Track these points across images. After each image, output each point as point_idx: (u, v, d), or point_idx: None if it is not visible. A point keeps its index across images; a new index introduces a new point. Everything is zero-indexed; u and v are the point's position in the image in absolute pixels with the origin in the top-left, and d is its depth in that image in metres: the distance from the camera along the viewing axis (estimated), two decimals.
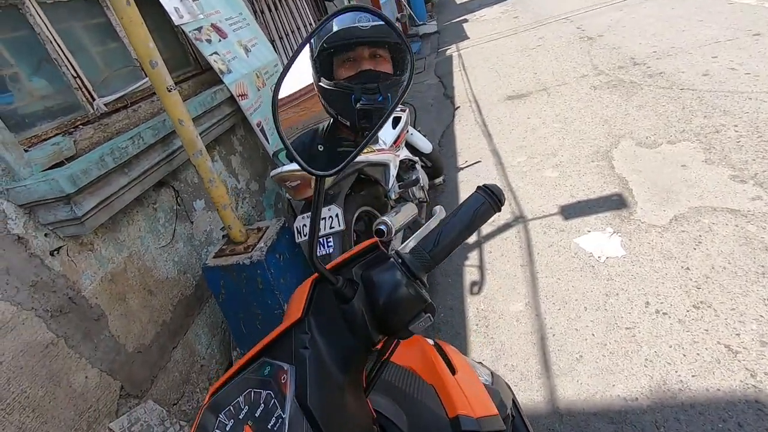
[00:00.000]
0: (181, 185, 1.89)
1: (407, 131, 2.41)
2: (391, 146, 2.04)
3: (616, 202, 2.23)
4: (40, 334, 1.24)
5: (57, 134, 1.45)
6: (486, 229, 2.41)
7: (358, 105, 1.63)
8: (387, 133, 2.11)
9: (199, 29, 2.07)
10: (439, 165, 2.76)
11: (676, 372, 1.38)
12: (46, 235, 1.31)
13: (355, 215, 1.80)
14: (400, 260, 0.50)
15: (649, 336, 1.52)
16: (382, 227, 1.75)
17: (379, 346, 0.51)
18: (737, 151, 2.26)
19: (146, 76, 1.84)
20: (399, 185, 2.11)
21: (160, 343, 1.63)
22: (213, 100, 2.01)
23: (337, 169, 0.48)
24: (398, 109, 2.16)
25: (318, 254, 1.62)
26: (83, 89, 1.58)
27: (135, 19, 1.36)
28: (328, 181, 1.67)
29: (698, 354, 1.41)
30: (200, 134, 1.78)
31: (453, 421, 0.58)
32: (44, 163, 1.34)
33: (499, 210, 0.53)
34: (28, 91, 1.45)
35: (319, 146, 1.65)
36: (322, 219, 1.68)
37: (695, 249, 1.79)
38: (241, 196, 2.35)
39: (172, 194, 1.84)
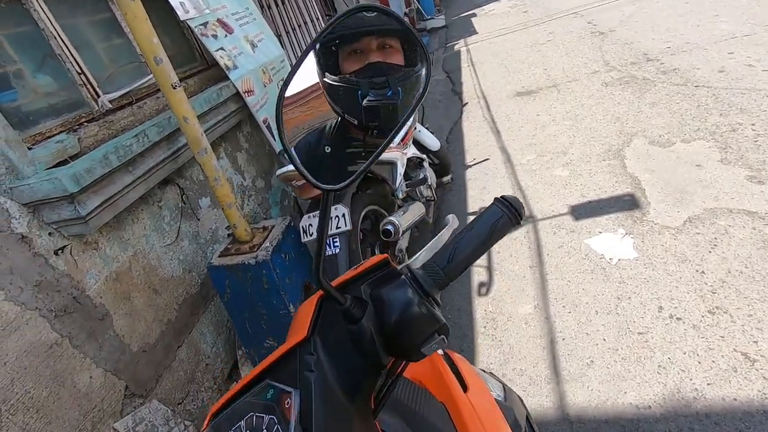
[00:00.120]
0: (187, 183, 1.87)
1: (415, 128, 2.38)
2: (399, 144, 2.00)
3: (628, 203, 2.18)
4: (44, 334, 1.23)
5: (61, 132, 1.43)
6: None
7: (364, 101, 1.55)
8: None
9: (205, 24, 2.04)
10: (446, 163, 2.72)
11: (691, 380, 1.34)
12: (50, 234, 1.30)
13: (362, 214, 1.77)
14: (411, 276, 0.47)
15: (662, 342, 1.48)
16: (389, 227, 1.72)
17: (388, 366, 0.49)
18: (754, 151, 2.19)
19: (152, 72, 1.82)
20: (406, 184, 2.08)
21: (165, 342, 1.62)
22: (219, 97, 1.98)
23: (346, 183, 0.45)
24: None
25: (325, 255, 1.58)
26: (88, 86, 1.56)
27: (139, 14, 1.34)
28: None
29: (714, 361, 1.37)
30: (206, 131, 1.76)
31: None
32: (48, 161, 1.32)
33: (519, 224, 0.50)
34: (32, 88, 1.43)
35: (326, 148, 1.59)
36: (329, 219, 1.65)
37: (710, 252, 1.75)
38: (247, 193, 2.33)
39: (178, 192, 1.82)
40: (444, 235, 0.71)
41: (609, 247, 1.95)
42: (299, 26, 3.87)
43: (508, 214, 0.49)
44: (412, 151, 2.19)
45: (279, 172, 1.65)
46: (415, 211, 1.96)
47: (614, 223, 2.09)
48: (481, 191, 2.77)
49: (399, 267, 0.52)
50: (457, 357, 0.74)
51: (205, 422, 0.50)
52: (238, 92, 2.14)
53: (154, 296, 1.62)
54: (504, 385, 0.75)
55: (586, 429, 1.32)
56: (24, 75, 1.42)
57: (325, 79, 1.58)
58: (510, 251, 2.16)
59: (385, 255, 0.50)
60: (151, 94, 1.83)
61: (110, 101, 1.61)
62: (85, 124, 1.52)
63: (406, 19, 5.92)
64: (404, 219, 1.81)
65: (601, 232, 2.06)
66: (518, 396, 0.76)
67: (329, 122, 1.68)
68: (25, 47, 1.42)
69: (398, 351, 0.46)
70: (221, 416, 0.48)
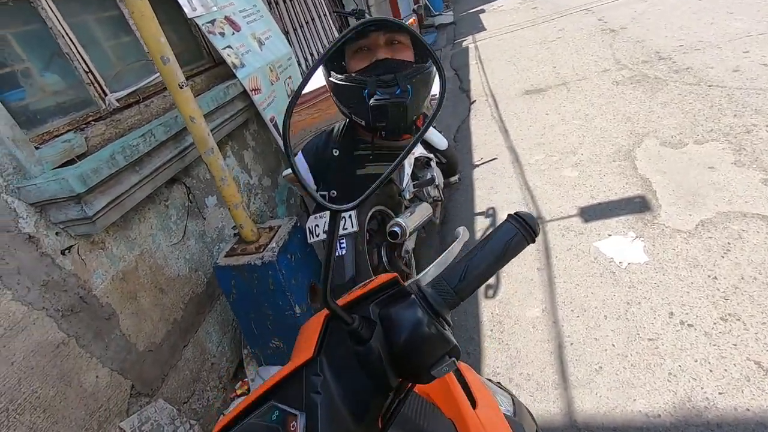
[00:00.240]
0: (193, 181, 1.87)
1: None
2: None
3: (638, 205, 2.14)
4: (51, 334, 1.23)
5: (68, 131, 1.43)
6: None
7: (371, 101, 1.47)
8: None
9: (213, 22, 2.03)
10: (454, 162, 2.69)
11: (702, 388, 1.32)
12: (57, 233, 1.29)
13: (369, 215, 1.76)
14: (421, 296, 0.46)
15: (672, 349, 1.46)
16: (396, 229, 1.70)
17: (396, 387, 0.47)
18: None
19: (158, 72, 1.82)
20: (414, 184, 2.06)
21: (171, 341, 1.63)
22: (226, 96, 1.97)
23: (355, 203, 0.44)
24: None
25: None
26: (95, 84, 1.55)
27: (147, 13, 1.33)
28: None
29: (726, 370, 1.35)
30: (213, 130, 1.75)
31: None
32: (55, 161, 1.32)
33: (533, 241, 0.48)
34: (39, 87, 1.43)
35: (333, 150, 1.55)
36: None
37: (723, 257, 1.71)
38: (254, 191, 2.32)
39: (184, 191, 1.82)
40: (454, 249, 0.69)
41: (619, 251, 1.92)
42: (306, 23, 3.85)
43: (522, 231, 0.47)
44: (419, 150, 2.16)
45: (286, 173, 1.64)
46: (423, 212, 1.94)
47: (624, 225, 2.06)
48: (488, 191, 2.74)
49: (408, 283, 0.51)
50: (464, 367, 0.73)
51: None
52: (245, 90, 2.12)
53: (161, 295, 1.62)
54: (513, 398, 0.74)
55: None
56: (32, 74, 1.41)
57: (331, 79, 1.51)
58: None
59: (395, 274, 0.49)
60: (158, 93, 1.83)
61: (117, 100, 1.61)
62: (92, 123, 1.51)
63: (414, 16, 5.88)
64: (411, 220, 1.79)
65: (610, 235, 2.03)
66: (527, 410, 0.74)
67: (338, 124, 1.65)
68: (33, 46, 1.42)
69: (407, 373, 0.45)
70: None
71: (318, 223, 1.66)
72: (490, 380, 0.75)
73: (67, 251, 1.31)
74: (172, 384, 1.60)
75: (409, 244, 2.01)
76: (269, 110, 2.28)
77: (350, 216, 1.60)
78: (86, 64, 1.53)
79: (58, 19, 1.46)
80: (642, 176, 2.33)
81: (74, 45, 1.50)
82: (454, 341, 0.45)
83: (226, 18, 2.13)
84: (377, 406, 0.45)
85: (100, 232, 1.40)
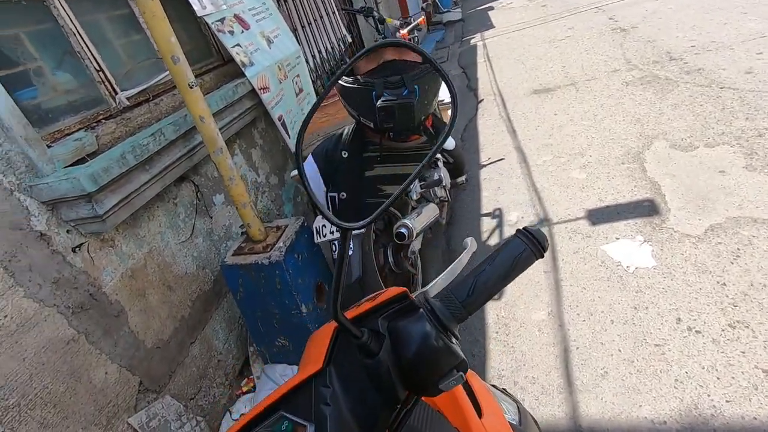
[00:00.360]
0: (201, 179, 1.88)
1: None
2: None
3: (647, 208, 2.13)
4: (61, 331, 1.25)
5: (79, 129, 1.44)
6: (509, 231, 2.35)
7: (378, 102, 1.48)
8: None
9: (222, 20, 2.03)
10: (461, 162, 2.68)
11: (709, 396, 1.31)
12: (68, 231, 1.31)
13: None
14: (429, 309, 0.46)
15: (680, 355, 1.45)
16: (403, 230, 1.70)
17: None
18: None
19: (169, 71, 1.82)
20: (420, 185, 2.05)
21: (178, 338, 1.64)
22: (234, 94, 1.98)
23: (366, 222, 0.44)
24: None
25: (335, 257, 1.57)
26: (106, 83, 1.56)
27: (158, 13, 1.33)
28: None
29: (733, 378, 1.34)
30: (221, 129, 1.76)
31: None
32: (67, 159, 1.33)
33: (542, 257, 0.49)
34: (51, 85, 1.44)
35: (342, 153, 1.56)
36: None
37: (733, 263, 1.70)
38: (261, 189, 2.33)
39: (192, 189, 1.83)
40: (463, 260, 0.70)
41: (626, 255, 1.91)
42: (315, 20, 3.84)
43: (531, 247, 0.48)
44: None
45: (294, 173, 1.64)
46: (429, 213, 1.94)
47: (632, 229, 2.04)
48: (495, 192, 2.73)
49: (416, 294, 0.51)
50: (469, 374, 0.73)
51: None
52: (253, 89, 2.13)
53: (169, 293, 1.63)
54: (518, 406, 0.74)
55: None
56: (44, 72, 1.42)
57: (340, 82, 1.52)
58: None
59: (404, 288, 0.49)
60: (167, 91, 1.83)
61: (127, 98, 1.62)
62: (103, 121, 1.53)
63: (422, 14, 5.85)
64: (418, 222, 1.79)
65: (618, 239, 2.02)
66: (532, 417, 0.74)
67: (347, 128, 1.65)
68: (46, 44, 1.43)
69: (415, 385, 0.45)
70: None
71: (325, 224, 1.67)
72: (495, 386, 0.75)
73: (77, 249, 1.33)
74: (179, 380, 1.62)
75: (416, 244, 2.01)
76: (277, 109, 2.28)
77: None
78: (97, 62, 1.54)
79: (70, 18, 1.47)
80: (651, 179, 2.31)
81: (86, 43, 1.51)
82: (462, 355, 0.45)
83: (236, 16, 2.13)
84: (385, 418, 0.45)
85: (110, 230, 1.41)
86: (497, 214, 2.52)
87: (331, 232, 1.65)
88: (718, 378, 1.35)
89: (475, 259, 0.68)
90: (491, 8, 9.18)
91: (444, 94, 2.96)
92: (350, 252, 1.58)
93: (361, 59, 1.51)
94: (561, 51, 4.82)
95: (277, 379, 1.75)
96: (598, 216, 2.20)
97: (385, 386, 0.44)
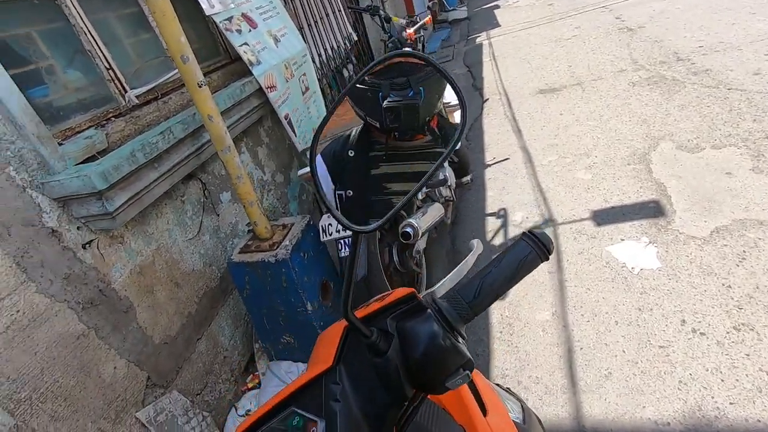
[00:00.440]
0: (209, 177, 1.89)
1: None
2: None
3: (652, 210, 2.13)
4: (72, 326, 1.27)
5: (90, 127, 1.46)
6: (513, 231, 2.35)
7: (385, 102, 1.53)
8: None
9: (230, 19, 2.04)
10: (466, 162, 2.69)
11: (713, 398, 1.32)
12: (78, 228, 1.33)
13: None
14: (437, 310, 0.47)
15: (684, 357, 1.46)
16: (409, 230, 1.71)
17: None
18: None
19: (178, 71, 1.84)
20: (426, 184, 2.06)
21: (185, 334, 1.66)
22: (242, 93, 1.99)
23: (376, 225, 0.45)
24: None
25: (344, 255, 1.59)
26: (116, 81, 1.58)
27: (168, 12, 1.35)
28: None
29: (737, 380, 1.34)
30: (228, 127, 1.77)
31: None
32: (77, 157, 1.35)
33: (547, 259, 0.50)
34: (62, 84, 1.46)
35: (349, 152, 1.60)
36: None
37: (738, 265, 1.70)
38: (267, 187, 2.35)
39: (200, 186, 1.84)
40: (469, 261, 0.71)
41: (631, 256, 1.91)
42: (321, 19, 3.84)
43: (536, 250, 0.49)
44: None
45: (301, 171, 1.66)
46: (435, 212, 1.95)
47: (637, 230, 2.04)
48: (500, 192, 2.74)
49: (423, 295, 0.52)
50: (474, 373, 0.74)
51: None
52: (260, 87, 2.14)
53: (176, 289, 1.65)
54: (522, 405, 0.75)
55: None
56: (55, 70, 1.44)
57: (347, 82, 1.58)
58: None
59: (412, 289, 0.50)
60: (176, 89, 1.85)
61: (137, 96, 1.63)
62: (113, 119, 1.54)
63: (428, 13, 5.84)
64: (423, 221, 1.80)
65: (623, 240, 2.02)
66: (537, 417, 0.75)
67: (355, 129, 1.68)
68: (57, 43, 1.45)
69: (422, 384, 0.46)
70: None
71: (331, 222, 1.68)
72: (499, 386, 0.76)
73: (87, 245, 1.35)
74: (186, 376, 1.64)
75: (421, 244, 2.01)
76: (284, 107, 2.29)
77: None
78: (107, 60, 1.56)
79: (81, 17, 1.48)
80: (657, 180, 2.31)
81: (96, 42, 1.52)
82: (468, 355, 0.46)
83: (243, 15, 2.15)
84: (393, 415, 0.47)
85: (120, 227, 1.43)
86: (502, 214, 2.52)
87: (337, 231, 1.66)
88: (722, 380, 1.35)
89: (481, 261, 0.68)
90: (497, 7, 9.15)
91: (450, 96, 2.97)
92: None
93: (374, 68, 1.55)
94: (567, 50, 4.80)
95: (282, 375, 1.77)
96: (604, 217, 2.20)
97: (394, 384, 0.45)
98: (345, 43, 4.18)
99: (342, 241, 1.64)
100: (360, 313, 0.51)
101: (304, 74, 2.59)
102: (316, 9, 3.73)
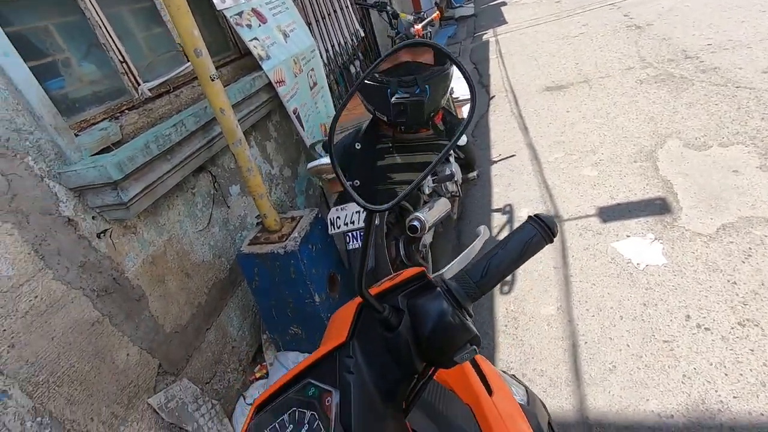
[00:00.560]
0: (219, 170, 1.92)
1: None
2: None
3: (659, 207, 2.13)
4: (87, 313, 1.30)
5: (104, 119, 1.49)
6: None
7: (393, 98, 1.60)
8: None
9: (240, 14, 2.07)
10: (472, 158, 2.70)
11: (716, 392, 1.33)
12: (93, 218, 1.36)
13: None
14: (446, 288, 0.49)
15: (688, 351, 1.47)
16: (416, 223, 1.73)
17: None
18: None
19: (188, 61, 1.86)
20: (433, 179, 2.08)
21: (195, 324, 1.69)
22: (252, 87, 2.02)
23: (391, 204, 0.47)
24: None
25: (351, 247, 1.62)
26: (129, 74, 1.61)
27: (182, 6, 1.37)
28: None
29: (741, 374, 1.35)
30: (239, 121, 1.79)
31: None
32: (93, 148, 1.38)
33: (551, 242, 0.52)
34: (77, 76, 1.49)
35: (356, 144, 1.65)
36: (356, 212, 1.68)
37: (744, 262, 1.70)
38: (275, 181, 2.37)
39: (210, 179, 1.87)
40: (476, 246, 0.73)
41: (637, 252, 1.92)
42: (328, 14, 3.86)
43: (541, 232, 0.51)
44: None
45: (311, 165, 1.68)
46: (441, 207, 1.96)
47: (643, 227, 2.05)
48: (506, 188, 2.75)
49: (433, 276, 0.55)
50: (480, 359, 0.76)
51: (249, 414, 0.53)
52: (269, 82, 2.16)
53: (186, 280, 1.68)
54: (527, 390, 0.77)
55: None
56: (71, 63, 1.47)
57: (358, 78, 1.66)
58: None
59: (422, 268, 0.52)
60: (187, 83, 1.88)
61: (149, 89, 1.66)
62: (126, 111, 1.57)
63: (436, 9, 5.83)
64: (430, 215, 1.82)
65: (629, 236, 2.03)
66: (541, 401, 0.77)
67: (363, 124, 1.74)
68: (73, 36, 1.47)
69: (432, 358, 0.48)
70: (266, 409, 0.51)
71: (339, 215, 1.70)
72: (504, 372, 0.78)
73: (102, 235, 1.38)
74: (195, 365, 1.67)
75: (427, 238, 2.04)
76: (292, 102, 2.31)
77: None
78: (121, 54, 1.59)
79: (96, 11, 1.51)
80: (663, 178, 2.31)
81: (110, 35, 1.55)
82: (476, 331, 0.48)
83: (253, 10, 2.17)
84: (403, 387, 0.49)
85: (133, 218, 1.46)
86: (508, 210, 2.54)
87: (345, 224, 1.68)
88: (726, 374, 1.37)
89: (488, 246, 0.70)
90: (504, 4, 9.11)
91: (459, 90, 2.99)
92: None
93: (385, 60, 1.63)
94: (574, 48, 4.79)
95: (289, 366, 1.80)
96: (609, 213, 2.21)
97: (404, 358, 0.47)
98: (352, 40, 4.20)
99: (350, 233, 1.66)
100: (372, 291, 0.53)
101: (312, 69, 2.60)
102: (324, 5, 3.75)
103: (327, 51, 3.67)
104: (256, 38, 2.11)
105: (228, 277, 1.90)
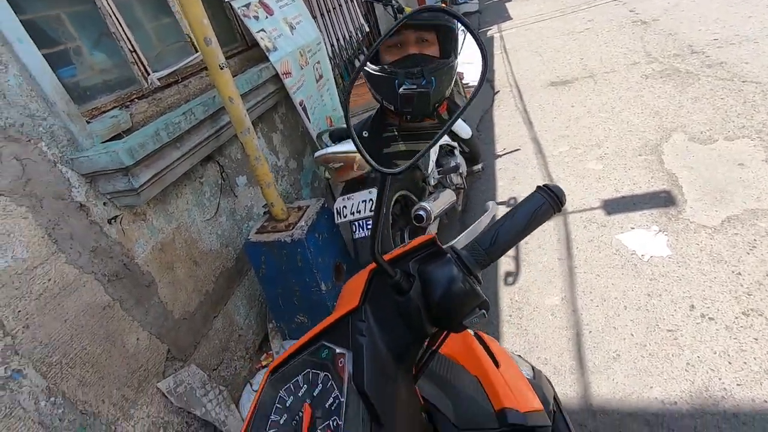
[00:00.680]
0: (226, 161, 1.94)
1: None
2: None
3: (663, 199, 2.14)
4: (98, 297, 1.32)
5: (115, 107, 1.51)
6: None
7: (400, 90, 1.65)
8: None
9: (248, 5, 2.08)
10: (476, 151, 2.71)
11: (720, 379, 1.34)
12: (104, 204, 1.38)
13: (393, 199, 1.81)
14: (456, 256, 0.51)
15: (692, 340, 1.48)
16: (422, 213, 1.75)
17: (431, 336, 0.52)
18: None
19: (196, 52, 1.88)
20: (438, 171, 2.10)
21: (203, 311, 1.71)
22: (259, 78, 2.03)
23: (404, 167, 0.49)
24: None
25: (358, 236, 1.64)
26: (139, 64, 1.62)
27: None
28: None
29: (745, 363, 1.36)
30: (246, 111, 1.81)
31: (499, 414, 0.58)
32: (104, 135, 1.40)
33: (560, 211, 0.53)
34: (89, 65, 1.50)
35: (363, 132, 1.68)
36: (362, 201, 1.69)
37: (749, 254, 1.71)
38: (280, 173, 2.39)
39: (217, 169, 1.89)
40: (484, 220, 0.74)
41: (641, 244, 1.93)
42: (333, 9, 3.86)
43: (549, 201, 0.52)
44: (444, 138, 2.20)
45: (317, 154, 1.70)
46: (446, 198, 1.98)
47: (648, 219, 2.05)
48: (510, 182, 2.75)
49: (444, 247, 0.56)
50: (487, 338, 0.77)
51: (265, 376, 0.55)
52: (276, 74, 2.18)
53: (194, 268, 1.70)
54: (533, 367, 0.78)
55: (610, 420, 1.34)
56: (82, 52, 1.49)
57: (367, 69, 1.72)
58: (538, 243, 2.16)
59: (432, 234, 0.53)
60: (195, 74, 1.89)
61: (159, 79, 1.68)
62: (136, 100, 1.59)
63: (440, 4, 5.82)
64: (435, 205, 1.84)
65: (633, 228, 2.04)
66: (547, 378, 0.78)
67: (368, 115, 1.80)
68: (84, 25, 1.49)
69: (442, 322, 0.49)
70: (281, 371, 0.53)
71: (346, 205, 1.72)
72: (513, 353, 0.79)
73: (113, 221, 1.40)
74: (203, 351, 1.69)
75: (432, 228, 2.05)
76: (298, 94, 2.33)
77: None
78: (131, 43, 1.60)
79: (106, 0, 1.52)
80: (668, 171, 2.32)
81: (121, 25, 1.56)
82: (484, 296, 0.49)
83: (261, 2, 2.18)
84: (414, 350, 0.50)
85: (143, 205, 1.47)
86: (512, 203, 2.54)
87: (351, 213, 1.70)
88: (729, 363, 1.38)
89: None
90: (508, 0, 9.08)
91: (469, 77, 3.03)
92: (369, 233, 1.64)
93: (388, 49, 1.71)
94: (580, 43, 4.77)
95: None
96: (614, 206, 2.21)
97: (415, 321, 0.48)
98: (357, 34, 4.20)
99: (356, 222, 1.68)
100: (385, 258, 0.55)
101: (318, 62, 2.62)
102: None
103: (332, 45, 3.68)
104: (263, 30, 2.12)
105: (235, 267, 1.92)
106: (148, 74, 1.65)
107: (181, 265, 1.64)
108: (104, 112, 1.47)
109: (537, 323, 1.75)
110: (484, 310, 0.49)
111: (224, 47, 2.20)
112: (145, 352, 1.45)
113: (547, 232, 2.21)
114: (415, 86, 1.66)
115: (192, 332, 1.65)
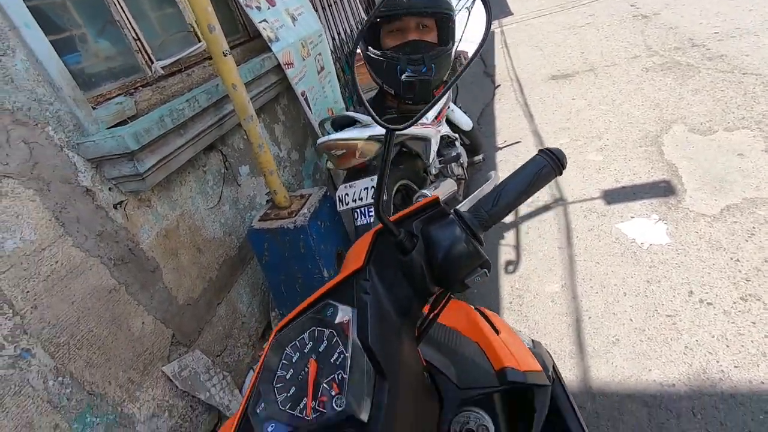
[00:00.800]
0: (229, 150, 1.95)
1: (448, 107, 2.39)
2: (433, 121, 2.03)
3: (663, 189, 2.15)
4: (104, 280, 1.34)
5: (119, 94, 1.52)
6: (523, 209, 2.39)
7: (403, 76, 1.68)
8: None
9: None
10: (477, 143, 2.72)
11: (718, 362, 1.36)
12: (110, 189, 1.39)
13: (395, 188, 1.83)
14: (458, 217, 0.52)
15: (690, 325, 1.50)
16: (422, 200, 1.76)
17: (433, 297, 0.54)
18: None
19: (199, 42, 1.89)
20: (439, 160, 2.11)
21: (206, 298, 1.73)
22: (261, 68, 2.04)
23: (408, 124, 0.50)
24: None
25: (360, 223, 1.66)
26: (143, 52, 1.64)
27: None
28: (373, 150, 1.69)
29: (743, 346, 1.38)
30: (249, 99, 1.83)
31: (499, 373, 0.60)
32: (109, 121, 1.41)
33: (560, 173, 0.53)
34: (93, 52, 1.52)
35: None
36: (364, 189, 1.71)
37: (747, 241, 1.72)
38: (282, 164, 2.40)
39: (220, 158, 1.90)
40: (485, 189, 0.75)
41: (641, 232, 1.95)
42: (334, 2, 3.87)
43: (551, 164, 0.52)
44: (445, 129, 2.21)
45: (320, 140, 1.71)
46: (447, 187, 1.99)
47: (648, 208, 2.07)
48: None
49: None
50: (489, 312, 0.79)
51: (271, 336, 0.56)
52: (278, 64, 2.19)
53: (198, 255, 1.72)
54: (533, 339, 0.80)
55: (609, 402, 1.36)
56: (87, 39, 1.50)
57: (369, 53, 1.73)
58: (539, 232, 2.18)
59: (436, 196, 0.54)
60: (198, 63, 1.90)
61: (162, 68, 1.69)
62: (140, 88, 1.60)
63: None
64: (437, 193, 1.85)
65: (633, 217, 2.05)
66: (546, 349, 0.80)
67: (370, 94, 1.81)
68: (89, 13, 1.50)
69: (444, 282, 0.51)
70: (287, 328, 0.54)
71: (348, 192, 1.73)
72: (513, 327, 0.81)
73: (118, 206, 1.42)
74: (207, 337, 1.71)
75: None
76: (300, 85, 2.34)
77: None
78: (135, 32, 1.62)
79: None
80: (668, 161, 2.33)
81: (125, 13, 1.58)
82: (486, 256, 0.50)
83: None
84: (417, 309, 0.51)
85: (147, 191, 1.49)
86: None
87: (354, 200, 1.71)
88: (727, 346, 1.39)
89: None
90: None
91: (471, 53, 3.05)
92: (371, 220, 1.66)
93: (389, 34, 1.74)
94: (580, 38, 4.77)
95: None
96: (614, 196, 2.23)
97: (418, 280, 0.50)
98: (358, 28, 4.21)
99: (358, 210, 1.69)
100: (390, 219, 0.56)
101: (320, 54, 2.63)
102: None
103: (333, 39, 3.69)
104: (265, 20, 2.13)
105: (238, 255, 1.94)
106: (152, 63, 1.66)
107: (185, 251, 1.66)
108: (109, 98, 1.48)
109: (537, 310, 1.76)
110: (485, 269, 0.50)
111: (227, 38, 2.21)
112: (150, 336, 1.47)
113: (547, 222, 2.22)
114: (417, 74, 1.69)
115: (196, 318, 1.67)
